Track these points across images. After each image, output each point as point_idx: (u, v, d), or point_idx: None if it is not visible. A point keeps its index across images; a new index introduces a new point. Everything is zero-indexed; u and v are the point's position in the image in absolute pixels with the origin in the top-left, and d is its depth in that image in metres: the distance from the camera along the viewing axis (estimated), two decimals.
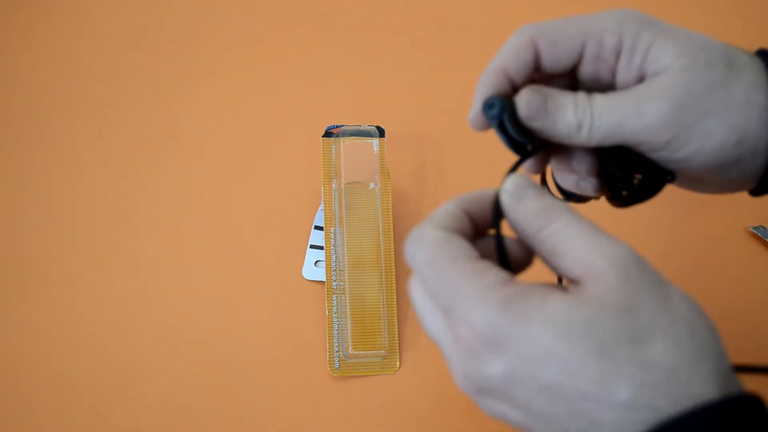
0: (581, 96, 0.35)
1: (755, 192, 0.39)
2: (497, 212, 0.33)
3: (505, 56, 0.37)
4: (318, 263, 0.61)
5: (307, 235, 0.62)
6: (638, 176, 0.38)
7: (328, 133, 0.62)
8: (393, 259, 0.60)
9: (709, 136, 0.34)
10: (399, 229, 0.62)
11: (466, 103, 0.71)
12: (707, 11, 0.73)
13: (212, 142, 0.66)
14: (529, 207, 0.32)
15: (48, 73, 0.70)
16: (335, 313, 0.58)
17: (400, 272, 0.60)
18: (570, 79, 0.38)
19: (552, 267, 0.32)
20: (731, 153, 0.35)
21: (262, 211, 0.63)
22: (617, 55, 0.35)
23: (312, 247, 0.61)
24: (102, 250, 0.62)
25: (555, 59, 0.36)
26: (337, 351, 0.57)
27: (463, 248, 0.31)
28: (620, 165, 0.38)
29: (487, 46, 0.72)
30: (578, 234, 0.31)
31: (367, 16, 0.73)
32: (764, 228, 0.61)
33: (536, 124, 0.35)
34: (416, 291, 0.33)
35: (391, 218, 0.61)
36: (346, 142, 0.61)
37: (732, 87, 0.34)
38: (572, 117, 0.35)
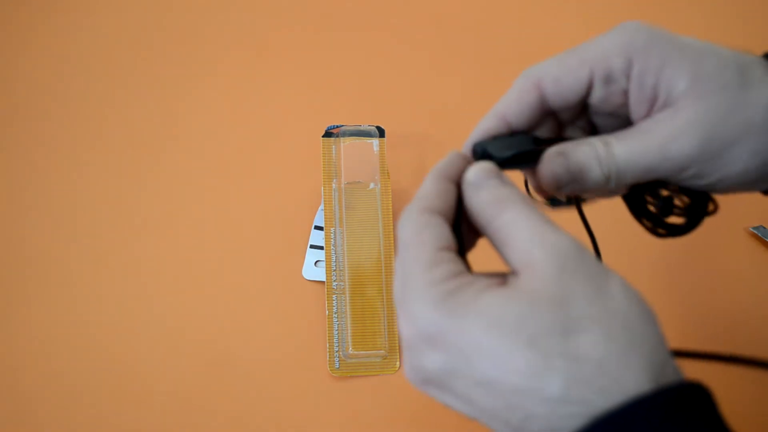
0: (600, 148, 0.35)
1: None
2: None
3: (507, 101, 0.37)
4: (318, 263, 0.61)
5: (307, 235, 0.62)
6: (682, 201, 0.38)
7: (328, 133, 0.62)
8: (393, 259, 0.60)
9: (733, 164, 0.34)
10: None
11: (466, 104, 0.71)
12: (707, 11, 0.73)
13: (212, 142, 0.66)
14: (484, 197, 0.33)
15: (48, 73, 0.70)
16: (335, 313, 0.58)
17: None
18: (579, 108, 0.38)
19: (502, 257, 0.32)
20: (754, 175, 0.35)
21: (262, 211, 0.63)
22: (628, 76, 0.35)
23: (312, 247, 0.61)
24: (102, 250, 0.62)
25: (562, 95, 0.36)
26: (337, 351, 0.57)
27: (438, 236, 0.32)
28: (657, 198, 0.39)
29: (487, 46, 0.72)
30: (524, 225, 0.31)
31: (367, 17, 0.73)
32: (764, 228, 0.61)
33: (565, 189, 0.36)
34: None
35: (391, 218, 0.61)
36: (346, 142, 0.61)
37: (749, 110, 0.34)
38: (599, 175, 0.35)
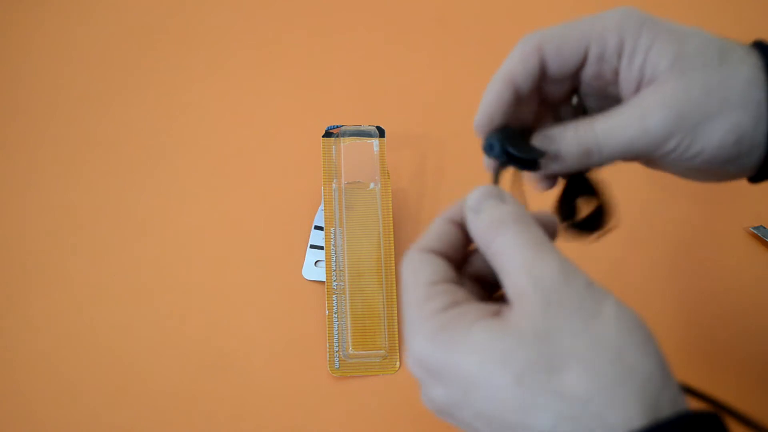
0: (581, 127, 0.36)
1: (753, 179, 0.39)
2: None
3: (512, 64, 0.37)
4: (318, 263, 0.61)
5: (307, 235, 0.62)
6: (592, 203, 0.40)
7: (328, 133, 0.62)
8: (393, 259, 0.60)
9: (709, 138, 0.35)
10: (399, 229, 0.62)
11: (465, 103, 0.71)
12: (705, 10, 0.73)
13: (212, 143, 0.66)
14: (482, 220, 0.33)
15: (51, 74, 0.70)
16: (335, 313, 0.58)
17: (400, 272, 0.60)
18: (573, 81, 0.39)
19: (500, 283, 0.32)
20: (731, 150, 0.36)
21: (262, 211, 0.63)
22: (619, 55, 0.36)
23: (312, 247, 0.61)
24: (102, 249, 0.62)
25: (560, 64, 0.37)
26: (337, 351, 0.57)
27: (432, 272, 0.33)
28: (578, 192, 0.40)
29: (487, 46, 0.72)
30: (515, 252, 0.31)
31: (368, 17, 0.73)
32: (764, 228, 0.61)
33: (548, 169, 0.37)
34: None
35: (391, 218, 0.61)
36: (346, 142, 0.61)
37: (728, 88, 0.35)
38: (576, 150, 0.36)
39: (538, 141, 0.37)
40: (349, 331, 0.57)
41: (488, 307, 0.31)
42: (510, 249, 0.31)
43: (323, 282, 0.60)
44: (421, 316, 0.31)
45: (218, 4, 0.74)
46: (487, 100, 0.38)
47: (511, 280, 0.31)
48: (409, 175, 0.65)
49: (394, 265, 0.60)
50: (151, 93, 0.69)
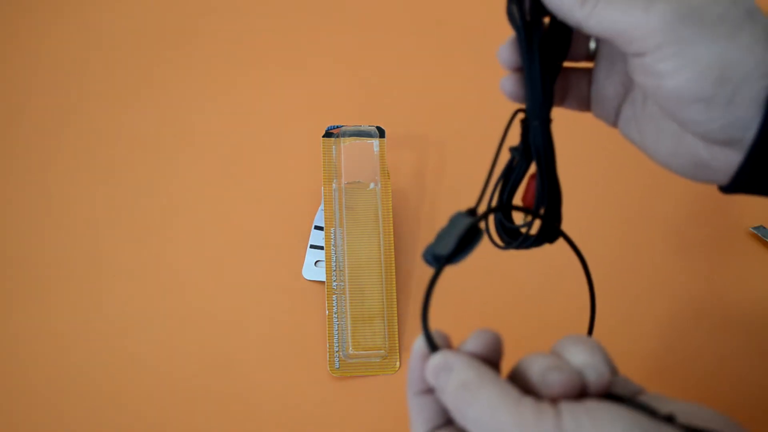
0: None
1: (726, 189, 0.37)
2: None
3: None
4: (318, 263, 0.61)
5: (307, 235, 0.62)
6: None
7: (328, 133, 0.62)
8: (393, 259, 0.60)
9: (694, 60, 0.33)
10: (399, 229, 0.62)
11: (466, 104, 0.71)
12: None
13: (213, 143, 0.66)
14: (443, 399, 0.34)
15: (50, 76, 0.70)
16: (335, 313, 0.58)
17: (400, 272, 0.60)
18: None
19: None
20: (706, 88, 0.34)
21: (262, 211, 0.63)
22: None
23: (312, 247, 0.61)
24: (102, 250, 0.62)
25: None
26: (337, 351, 0.57)
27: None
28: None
29: (487, 46, 0.72)
30: None
31: (368, 16, 0.73)
32: (764, 228, 0.61)
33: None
34: None
35: (391, 218, 0.61)
36: (346, 143, 0.61)
37: (741, 31, 0.33)
38: None
39: None
40: (349, 331, 0.57)
41: None
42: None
43: (323, 282, 0.60)
44: None
45: (219, 5, 0.74)
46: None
47: None
48: (409, 175, 0.65)
49: (393, 265, 0.60)
50: (152, 95, 0.69)
